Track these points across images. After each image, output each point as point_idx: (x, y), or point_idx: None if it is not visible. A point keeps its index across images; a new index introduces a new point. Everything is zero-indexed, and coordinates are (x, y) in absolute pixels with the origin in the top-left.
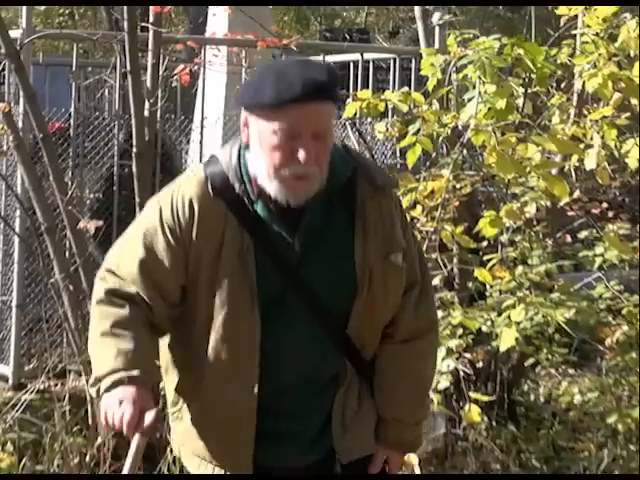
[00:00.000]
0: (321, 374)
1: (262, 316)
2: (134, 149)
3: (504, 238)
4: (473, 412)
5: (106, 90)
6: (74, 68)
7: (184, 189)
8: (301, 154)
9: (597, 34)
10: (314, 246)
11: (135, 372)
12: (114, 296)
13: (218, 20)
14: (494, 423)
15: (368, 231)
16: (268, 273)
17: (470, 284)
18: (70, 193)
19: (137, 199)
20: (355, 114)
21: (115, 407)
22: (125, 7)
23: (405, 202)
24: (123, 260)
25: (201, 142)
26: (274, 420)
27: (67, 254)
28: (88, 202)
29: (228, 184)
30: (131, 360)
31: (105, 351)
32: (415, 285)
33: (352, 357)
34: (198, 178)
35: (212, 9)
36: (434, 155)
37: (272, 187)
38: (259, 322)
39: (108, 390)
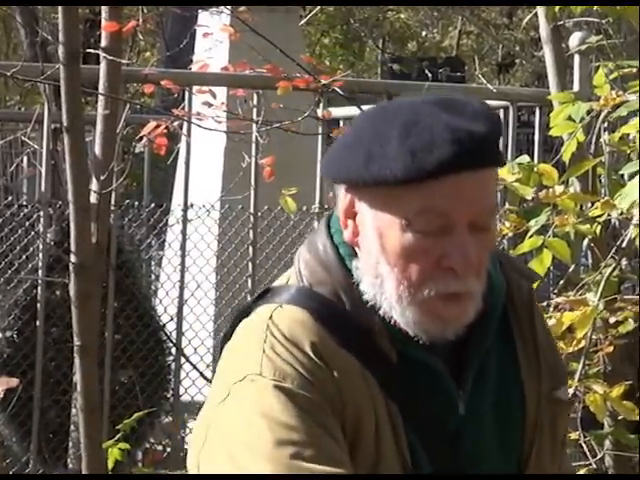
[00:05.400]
0: None
1: None
2: (72, 258)
3: None
4: None
5: (25, 159)
6: None
7: (296, 335)
8: (456, 260)
9: None
10: (479, 403)
11: None
12: None
13: (212, 44)
14: None
15: (531, 356)
16: (417, 450)
17: None
18: None
19: (76, 340)
20: None
21: None
22: (61, 20)
23: None
24: None
25: (183, 246)
26: None
27: None
28: None
29: (349, 320)
30: None
31: None
32: (565, 438)
33: None
34: (293, 316)
35: (202, 25)
36: (573, 268)
37: (405, 315)
38: None
39: None
